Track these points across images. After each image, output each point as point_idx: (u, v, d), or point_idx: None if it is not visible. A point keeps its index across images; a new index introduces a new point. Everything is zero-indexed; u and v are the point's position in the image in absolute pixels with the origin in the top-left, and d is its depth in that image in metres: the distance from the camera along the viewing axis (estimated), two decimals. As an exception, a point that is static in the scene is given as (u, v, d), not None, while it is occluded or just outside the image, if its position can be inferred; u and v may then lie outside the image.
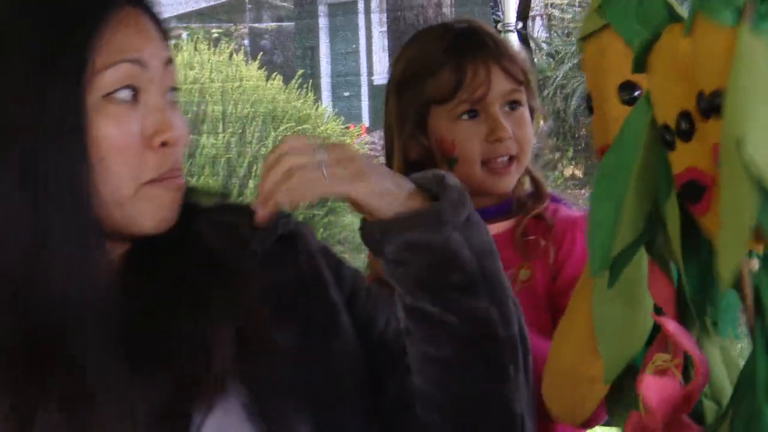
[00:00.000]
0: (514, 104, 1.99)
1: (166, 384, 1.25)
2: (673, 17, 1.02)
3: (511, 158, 1.98)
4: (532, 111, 2.04)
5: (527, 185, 2.04)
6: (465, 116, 1.97)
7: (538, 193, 2.02)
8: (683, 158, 1.01)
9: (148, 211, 1.26)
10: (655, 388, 0.99)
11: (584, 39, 1.13)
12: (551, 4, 6.03)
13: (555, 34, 6.13)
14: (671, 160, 1.04)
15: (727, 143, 0.89)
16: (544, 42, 5.86)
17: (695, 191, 0.99)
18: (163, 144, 1.25)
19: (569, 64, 5.41)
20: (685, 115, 0.99)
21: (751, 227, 0.88)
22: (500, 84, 1.98)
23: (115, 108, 1.24)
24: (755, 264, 0.99)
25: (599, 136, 1.15)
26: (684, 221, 1.04)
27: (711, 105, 0.94)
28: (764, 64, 0.89)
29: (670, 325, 1.00)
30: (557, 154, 6.25)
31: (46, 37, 1.23)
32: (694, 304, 1.02)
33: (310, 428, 1.31)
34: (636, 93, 1.14)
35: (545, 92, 4.81)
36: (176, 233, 1.31)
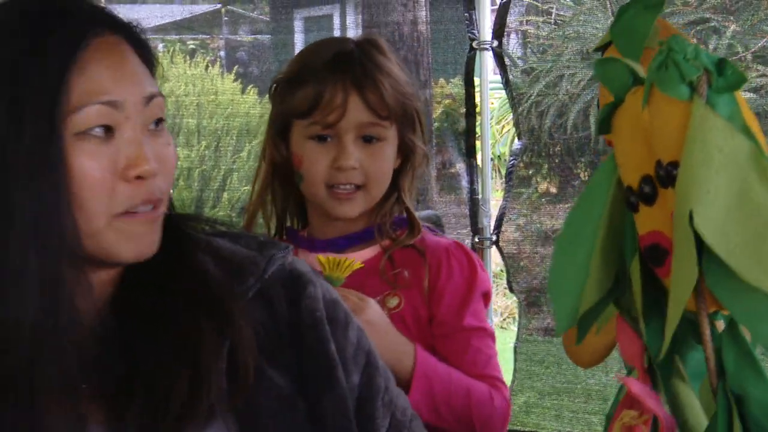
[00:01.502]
0: (371, 138, 1.94)
1: (147, 410, 1.25)
2: (637, 81, 1.02)
3: (359, 187, 1.94)
4: (408, 149, 1.98)
5: (395, 213, 2.00)
6: (316, 137, 1.94)
7: (410, 227, 1.99)
8: (647, 221, 1.01)
9: (122, 243, 1.27)
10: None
11: None
12: (527, 21, 6.02)
13: (530, 51, 6.12)
14: (636, 221, 1.04)
15: (680, 214, 0.89)
16: (519, 59, 5.85)
17: (658, 255, 0.99)
18: (138, 177, 1.26)
19: (544, 81, 5.39)
20: (647, 180, 0.99)
21: (688, 295, 0.89)
22: (357, 114, 1.92)
23: (89, 144, 1.25)
24: (721, 325, 0.99)
25: None
26: (651, 281, 1.03)
27: (668, 175, 0.94)
28: (717, 138, 0.89)
29: (635, 386, 1.00)
30: (531, 171, 6.23)
31: (19, 77, 1.23)
32: (658, 366, 1.01)
33: None
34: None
35: (520, 109, 4.80)
36: (169, 261, 1.32)
